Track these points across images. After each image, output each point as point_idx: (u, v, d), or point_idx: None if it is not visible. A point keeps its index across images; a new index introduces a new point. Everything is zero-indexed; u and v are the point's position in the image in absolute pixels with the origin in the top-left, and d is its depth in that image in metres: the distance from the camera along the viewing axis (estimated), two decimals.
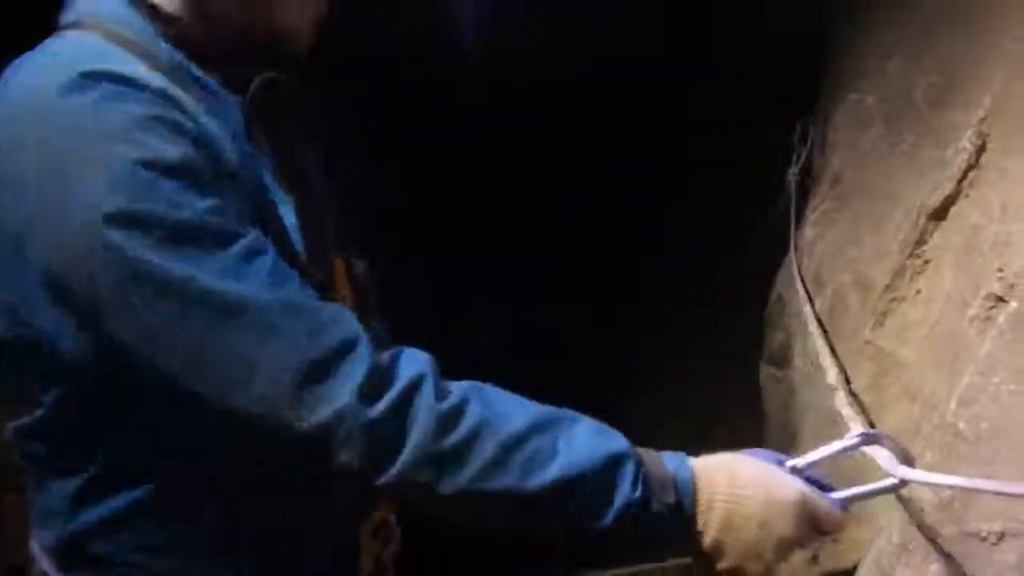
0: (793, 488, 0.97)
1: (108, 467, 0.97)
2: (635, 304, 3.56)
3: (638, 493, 0.92)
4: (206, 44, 1.00)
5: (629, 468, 0.93)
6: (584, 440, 0.93)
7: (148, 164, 0.86)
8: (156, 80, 0.91)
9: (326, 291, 1.00)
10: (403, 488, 0.90)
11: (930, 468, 1.09)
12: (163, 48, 0.97)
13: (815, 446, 1.11)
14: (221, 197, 0.90)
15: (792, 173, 2.34)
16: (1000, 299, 1.54)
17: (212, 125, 0.94)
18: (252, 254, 0.90)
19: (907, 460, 1.03)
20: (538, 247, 3.72)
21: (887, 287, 1.74)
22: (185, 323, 0.87)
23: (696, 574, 0.98)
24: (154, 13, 0.98)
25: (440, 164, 3.66)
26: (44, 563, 1.01)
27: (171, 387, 0.88)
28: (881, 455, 1.06)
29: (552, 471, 0.90)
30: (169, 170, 0.87)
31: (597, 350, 3.55)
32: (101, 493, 0.97)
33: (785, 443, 2.15)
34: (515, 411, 0.93)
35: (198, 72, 0.98)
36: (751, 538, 0.94)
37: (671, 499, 0.93)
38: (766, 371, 2.24)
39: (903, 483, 1.02)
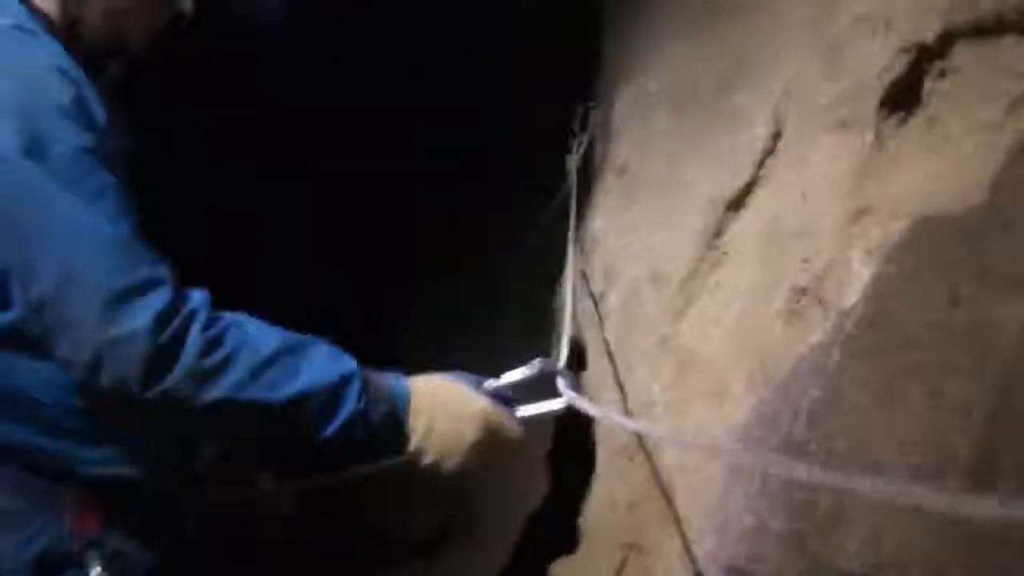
0: (482, 401, 1.26)
1: None
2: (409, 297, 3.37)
3: (361, 405, 1.17)
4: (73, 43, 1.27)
5: (355, 385, 1.18)
6: (322, 361, 1.18)
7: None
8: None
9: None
10: (168, 402, 1.09)
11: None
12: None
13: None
14: (93, 140, 1.16)
15: (573, 160, 2.23)
16: (804, 291, 1.49)
17: (90, 91, 1.21)
18: (105, 190, 1.14)
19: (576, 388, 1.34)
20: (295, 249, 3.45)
21: (684, 280, 1.66)
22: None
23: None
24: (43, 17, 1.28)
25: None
26: None
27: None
28: (559, 383, 1.37)
29: (293, 386, 1.14)
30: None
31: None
32: None
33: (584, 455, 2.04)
34: (267, 337, 1.16)
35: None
36: (446, 440, 1.21)
37: (387, 409, 1.19)
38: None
39: (569, 407, 1.31)
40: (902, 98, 1.31)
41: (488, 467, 1.25)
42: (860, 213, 1.36)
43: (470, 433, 1.23)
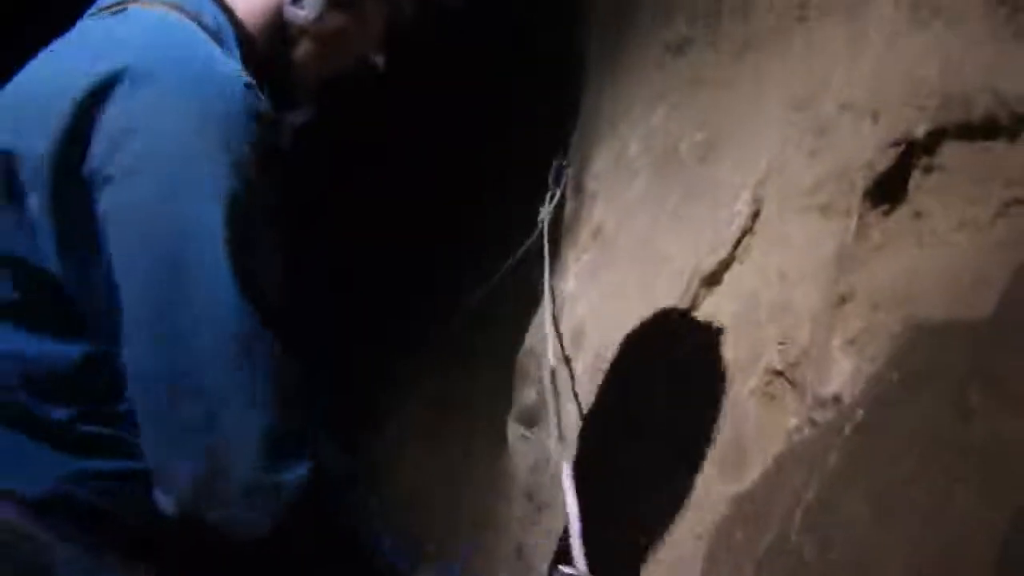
0: None
1: None
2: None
3: None
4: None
5: None
6: None
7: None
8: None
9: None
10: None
11: None
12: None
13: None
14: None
15: (545, 214, 2.22)
16: (779, 373, 1.48)
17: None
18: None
19: None
20: None
21: (657, 352, 1.63)
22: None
23: None
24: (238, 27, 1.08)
25: None
26: None
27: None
28: None
29: None
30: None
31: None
32: None
33: (530, 512, 2.00)
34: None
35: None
36: None
37: None
38: (515, 430, 2.08)
39: None
40: (888, 189, 1.32)
41: None
42: (841, 300, 1.35)
43: None
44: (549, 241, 2.31)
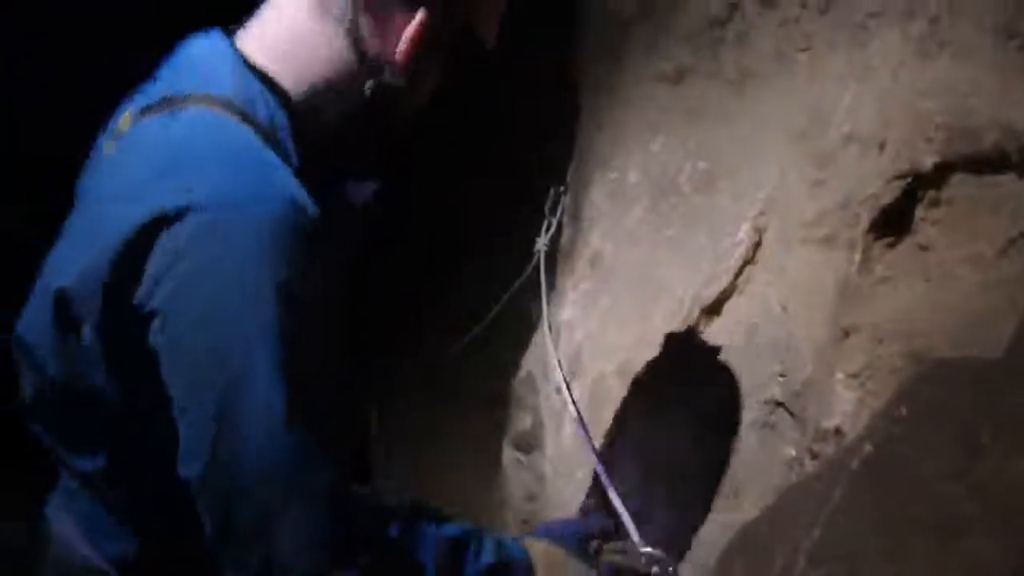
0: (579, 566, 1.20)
1: None
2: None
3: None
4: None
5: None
6: (481, 549, 1.10)
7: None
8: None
9: None
10: None
11: None
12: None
13: None
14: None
15: (542, 243, 2.19)
16: (779, 404, 1.46)
17: None
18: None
19: None
20: None
21: (655, 382, 1.61)
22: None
23: None
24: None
25: None
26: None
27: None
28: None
29: None
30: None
31: None
32: None
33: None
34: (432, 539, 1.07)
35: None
36: None
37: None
38: (510, 455, 2.05)
39: None
40: (893, 222, 1.31)
41: None
42: (844, 334, 1.34)
43: None
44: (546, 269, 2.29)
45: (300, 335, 0.96)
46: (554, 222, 2.29)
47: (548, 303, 2.08)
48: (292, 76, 1.08)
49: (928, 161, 1.22)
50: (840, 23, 1.47)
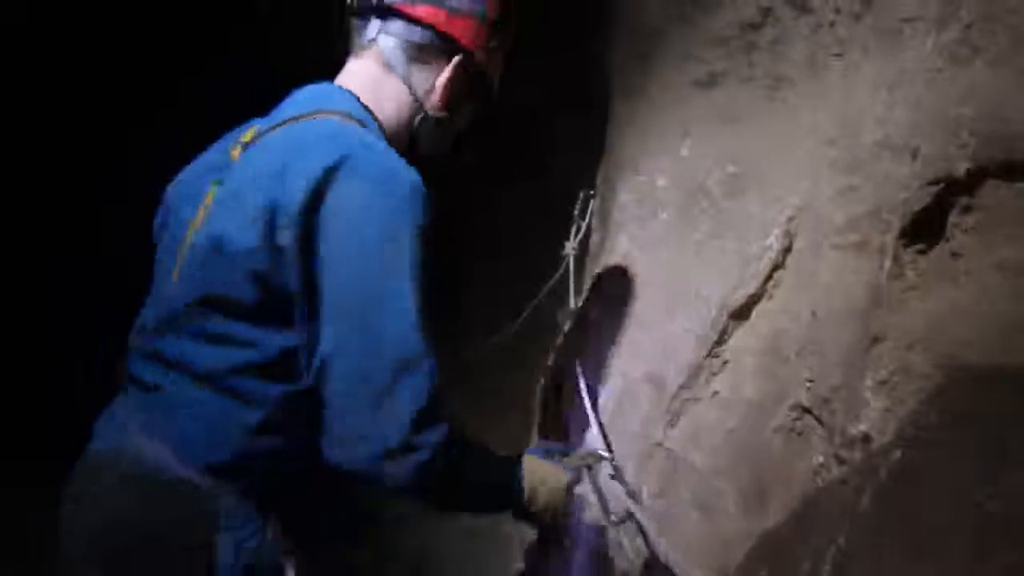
0: (566, 478, 1.57)
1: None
2: None
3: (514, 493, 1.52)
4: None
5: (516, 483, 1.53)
6: (500, 459, 1.53)
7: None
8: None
9: None
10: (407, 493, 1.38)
11: None
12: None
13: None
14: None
15: (571, 247, 2.20)
16: (806, 410, 1.45)
17: None
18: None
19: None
20: None
21: (682, 386, 1.62)
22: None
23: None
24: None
25: None
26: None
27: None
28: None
29: (493, 480, 1.52)
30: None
31: None
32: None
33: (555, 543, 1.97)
34: (478, 467, 1.48)
35: None
36: (545, 500, 1.53)
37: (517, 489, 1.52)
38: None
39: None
40: (924, 228, 1.29)
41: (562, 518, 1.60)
42: (874, 340, 1.32)
43: (558, 495, 1.56)
44: (575, 271, 2.29)
45: (425, 266, 1.34)
46: (583, 226, 2.30)
47: (576, 305, 2.09)
48: (376, 109, 1.54)
49: (961, 168, 1.21)
50: (874, 29, 1.46)
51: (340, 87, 1.54)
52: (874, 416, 1.26)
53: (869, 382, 1.30)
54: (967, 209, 1.24)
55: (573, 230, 2.28)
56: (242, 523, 1.36)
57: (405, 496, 1.39)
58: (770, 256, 1.57)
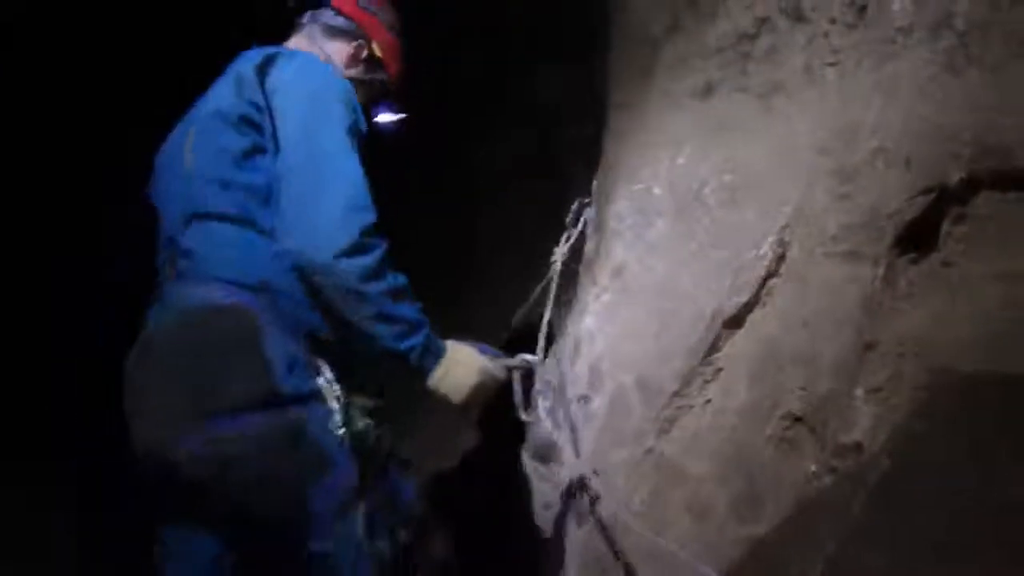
0: (485, 363, 1.83)
1: None
2: None
3: (422, 339, 1.72)
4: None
5: (426, 329, 1.73)
6: (415, 307, 1.72)
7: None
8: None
9: None
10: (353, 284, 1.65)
11: None
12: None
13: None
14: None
15: (560, 253, 2.19)
16: (798, 419, 1.44)
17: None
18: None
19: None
20: None
21: (674, 393, 1.61)
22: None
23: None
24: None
25: None
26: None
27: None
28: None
29: (400, 313, 1.69)
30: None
31: None
32: None
33: (548, 551, 1.96)
34: (401, 279, 1.71)
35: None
36: (458, 382, 1.78)
37: (436, 352, 1.76)
38: (530, 464, 2.04)
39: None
40: (917, 237, 1.30)
41: (478, 400, 1.82)
42: (866, 348, 1.33)
43: (473, 377, 1.80)
44: (570, 280, 2.29)
45: (353, 124, 1.75)
46: (574, 233, 2.29)
47: (556, 312, 2.10)
48: None
49: (955, 177, 1.21)
50: (868, 38, 1.46)
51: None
52: (865, 424, 1.26)
53: (861, 390, 1.30)
54: (960, 218, 1.24)
55: (564, 237, 2.28)
56: (280, 331, 1.64)
57: (346, 294, 1.63)
58: (764, 264, 1.57)
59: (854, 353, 1.34)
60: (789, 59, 1.63)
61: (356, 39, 2.07)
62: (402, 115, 2.28)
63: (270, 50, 1.84)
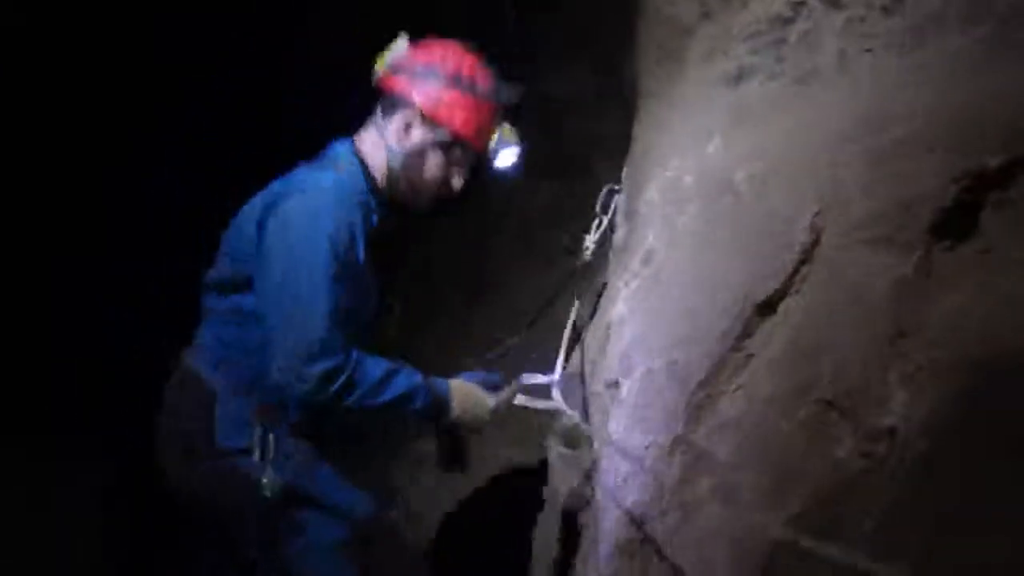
0: (490, 400, 2.17)
1: None
2: None
3: (423, 400, 2.08)
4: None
5: (422, 391, 2.08)
6: (402, 380, 2.05)
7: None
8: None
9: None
10: (321, 403, 1.99)
11: None
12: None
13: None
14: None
15: (591, 241, 2.20)
16: (830, 404, 1.44)
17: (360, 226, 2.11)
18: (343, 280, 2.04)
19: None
20: None
21: (705, 380, 1.61)
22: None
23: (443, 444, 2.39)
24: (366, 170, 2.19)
25: None
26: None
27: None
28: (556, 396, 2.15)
29: (388, 397, 2.03)
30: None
31: None
32: None
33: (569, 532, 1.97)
34: (375, 369, 2.02)
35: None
36: (469, 421, 2.16)
37: (437, 402, 2.11)
38: (556, 449, 2.05)
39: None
40: (953, 224, 1.29)
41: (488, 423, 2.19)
42: (899, 335, 1.32)
43: (484, 418, 2.17)
44: (601, 267, 2.30)
45: (339, 256, 1.98)
46: (605, 220, 2.30)
47: (582, 300, 2.12)
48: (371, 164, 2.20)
49: (992, 162, 1.21)
50: (904, 24, 1.45)
51: (351, 145, 2.19)
52: (899, 410, 1.26)
53: (895, 376, 1.30)
54: (997, 204, 1.23)
55: (594, 224, 2.28)
56: (231, 399, 2.10)
57: (335, 409, 1.99)
58: (796, 251, 1.56)
59: (887, 339, 1.34)
60: (823, 45, 1.62)
61: (403, 110, 2.08)
62: (515, 151, 2.21)
63: (275, 191, 2.06)
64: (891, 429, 1.23)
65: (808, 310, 1.52)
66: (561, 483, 2.06)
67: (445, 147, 2.11)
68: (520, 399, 2.18)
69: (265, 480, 2.04)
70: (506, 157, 2.19)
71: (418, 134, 2.10)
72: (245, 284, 2.07)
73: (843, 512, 1.08)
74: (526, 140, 2.25)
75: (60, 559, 3.03)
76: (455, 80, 2.08)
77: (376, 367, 2.01)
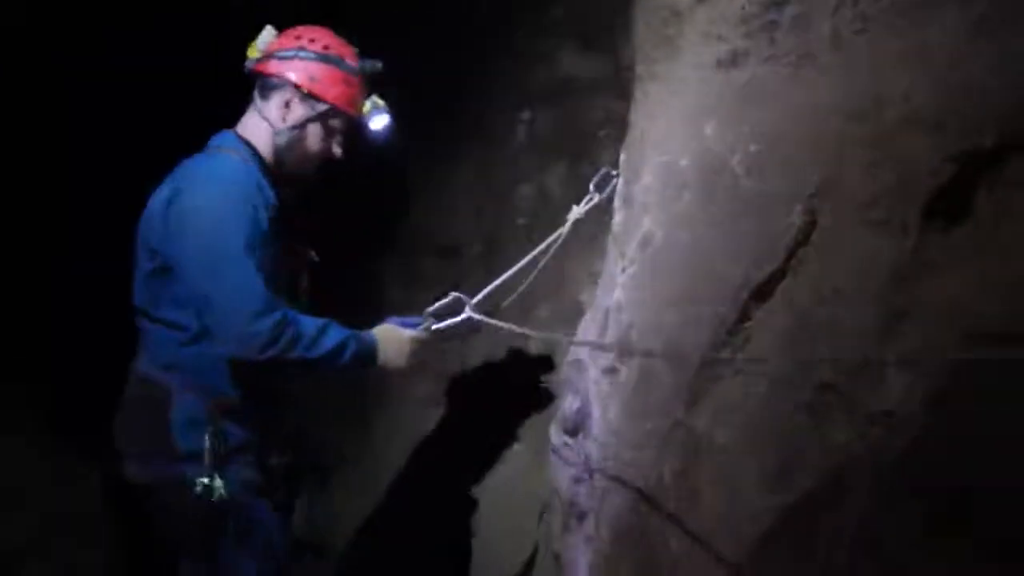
0: (410, 334, 2.32)
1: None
2: None
3: (353, 349, 2.20)
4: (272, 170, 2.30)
5: (352, 342, 2.20)
6: (336, 331, 2.18)
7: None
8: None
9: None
10: (268, 359, 2.08)
11: None
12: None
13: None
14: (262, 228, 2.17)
15: (577, 212, 2.22)
16: (829, 387, 1.44)
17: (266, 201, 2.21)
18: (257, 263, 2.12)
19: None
20: None
21: (704, 364, 1.61)
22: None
23: None
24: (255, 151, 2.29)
25: None
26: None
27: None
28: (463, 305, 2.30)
29: (323, 349, 2.14)
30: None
31: None
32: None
33: (569, 520, 1.97)
34: (311, 326, 2.14)
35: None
36: (396, 356, 2.30)
37: (367, 350, 2.25)
38: (559, 438, 2.06)
39: (469, 319, 2.30)
40: (949, 204, 1.29)
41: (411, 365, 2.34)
42: (897, 316, 1.32)
43: (405, 355, 2.31)
44: (600, 250, 2.29)
45: (250, 229, 2.09)
46: (596, 197, 2.30)
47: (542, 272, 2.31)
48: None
49: (987, 142, 1.20)
50: (898, 4, 1.44)
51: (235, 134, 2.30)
52: (897, 392, 1.26)
53: (893, 358, 1.30)
54: (992, 183, 1.23)
55: (585, 199, 2.29)
56: (184, 398, 2.17)
57: (266, 361, 2.06)
58: (793, 233, 1.56)
59: (885, 321, 1.34)
60: (817, 27, 1.61)
61: (281, 89, 2.23)
62: (386, 117, 2.35)
63: (172, 186, 2.15)
64: (889, 412, 1.24)
65: (806, 293, 1.52)
66: (562, 470, 2.07)
67: (324, 118, 2.26)
68: (436, 324, 2.32)
69: (214, 484, 2.12)
70: (378, 122, 2.35)
71: (298, 109, 2.23)
72: (167, 271, 2.14)
73: (842, 497, 1.08)
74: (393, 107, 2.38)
75: (60, 559, 3.05)
76: (325, 57, 2.24)
77: (310, 321, 2.14)
